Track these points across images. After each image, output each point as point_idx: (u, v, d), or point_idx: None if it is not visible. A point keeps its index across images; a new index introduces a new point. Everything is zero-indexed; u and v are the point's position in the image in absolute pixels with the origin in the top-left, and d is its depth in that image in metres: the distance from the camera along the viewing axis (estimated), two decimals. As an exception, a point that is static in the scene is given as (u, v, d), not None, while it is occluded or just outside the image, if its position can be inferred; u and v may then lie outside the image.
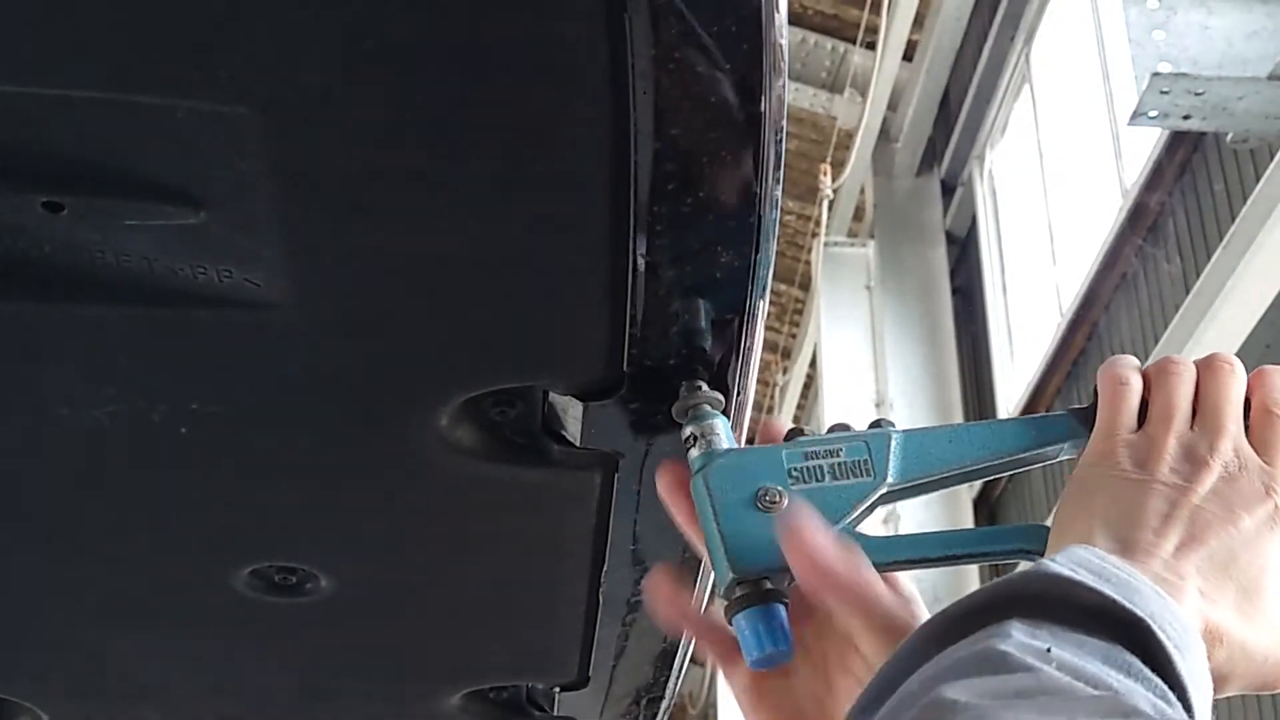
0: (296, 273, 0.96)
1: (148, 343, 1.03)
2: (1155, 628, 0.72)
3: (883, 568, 0.99)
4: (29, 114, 0.85)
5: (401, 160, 0.90)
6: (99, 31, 0.81)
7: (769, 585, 0.95)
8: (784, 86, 0.88)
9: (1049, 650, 0.70)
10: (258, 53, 0.82)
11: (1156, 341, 6.33)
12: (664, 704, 1.61)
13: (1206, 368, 0.95)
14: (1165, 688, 0.70)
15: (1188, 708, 0.70)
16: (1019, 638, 0.71)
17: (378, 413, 1.10)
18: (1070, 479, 0.94)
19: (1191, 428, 0.92)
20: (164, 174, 0.89)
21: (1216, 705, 0.78)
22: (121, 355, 1.04)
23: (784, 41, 0.86)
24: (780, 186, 0.94)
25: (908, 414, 8.92)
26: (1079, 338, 7.67)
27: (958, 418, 8.97)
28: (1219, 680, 0.83)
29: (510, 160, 0.89)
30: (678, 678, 1.54)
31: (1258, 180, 5.36)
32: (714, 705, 15.54)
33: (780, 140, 0.91)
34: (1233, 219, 5.57)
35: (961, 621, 0.75)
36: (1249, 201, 5.34)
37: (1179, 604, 0.79)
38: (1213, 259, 5.58)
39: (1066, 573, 0.75)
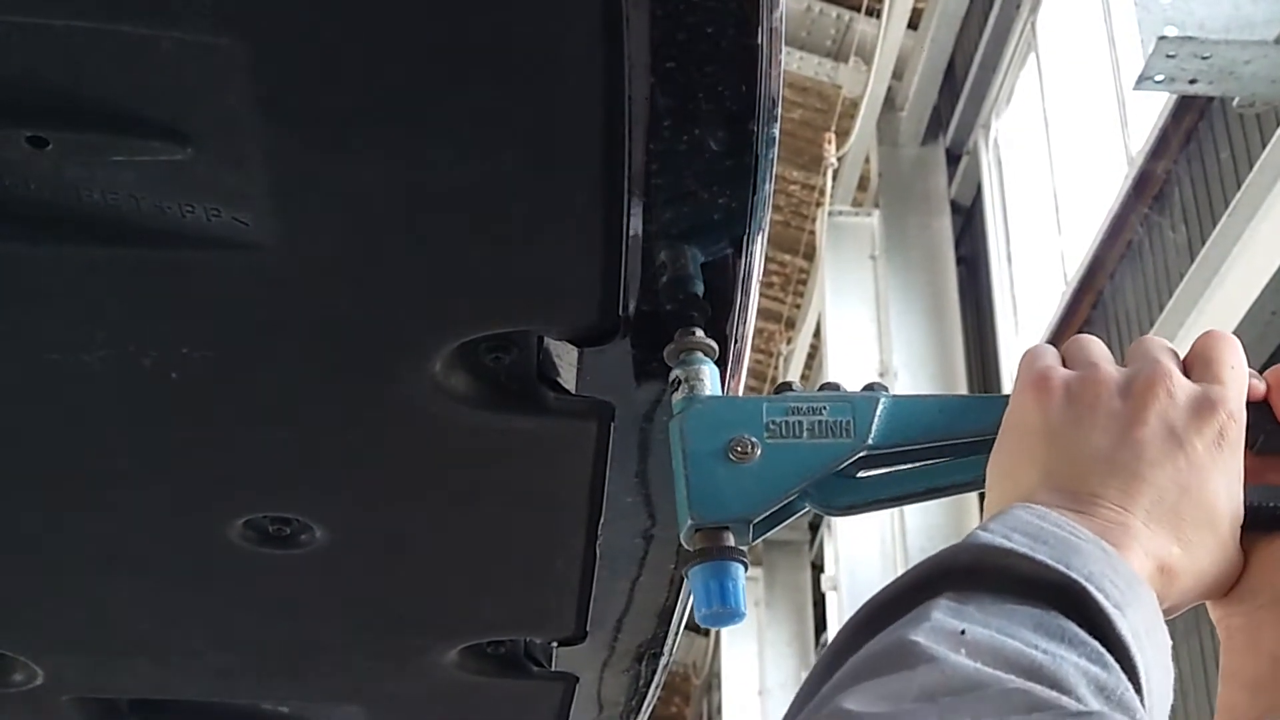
0: (286, 212, 0.94)
1: (137, 285, 1.02)
2: (1092, 589, 0.71)
3: (865, 506, 0.98)
4: (9, 44, 0.83)
5: (391, 95, 0.88)
6: None
7: (729, 542, 0.94)
8: (781, 19, 0.86)
9: (963, 632, 0.68)
10: (243, -20, 0.80)
11: (1161, 309, 6.31)
12: (662, 661, 1.60)
13: (1134, 344, 0.93)
14: (1101, 649, 0.68)
15: (1129, 666, 0.69)
16: (938, 618, 0.69)
17: (371, 357, 1.08)
18: (1004, 421, 0.91)
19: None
20: (150, 108, 0.87)
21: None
22: (110, 298, 1.03)
23: (780, -28, 0.84)
24: (778, 124, 0.92)
25: (911, 384, 8.91)
26: (1084, 306, 7.65)
27: (962, 387, 8.96)
28: (1172, 610, 0.83)
29: (500, 94, 0.87)
30: (676, 634, 1.53)
31: (1264, 147, 5.34)
32: (717, 675, 15.58)
33: (778, 75, 0.89)
34: (1238, 186, 5.55)
35: (892, 605, 0.73)
36: (1255, 168, 5.32)
37: (1125, 554, 0.78)
38: (1218, 226, 5.56)
39: (1000, 542, 0.74)
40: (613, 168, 0.92)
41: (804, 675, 0.97)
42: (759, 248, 1.03)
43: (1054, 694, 0.64)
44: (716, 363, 1.04)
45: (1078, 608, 0.70)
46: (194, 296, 1.02)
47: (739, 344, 1.09)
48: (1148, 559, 0.80)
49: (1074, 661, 0.67)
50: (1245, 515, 0.87)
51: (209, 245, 0.96)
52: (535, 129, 0.90)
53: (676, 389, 1.02)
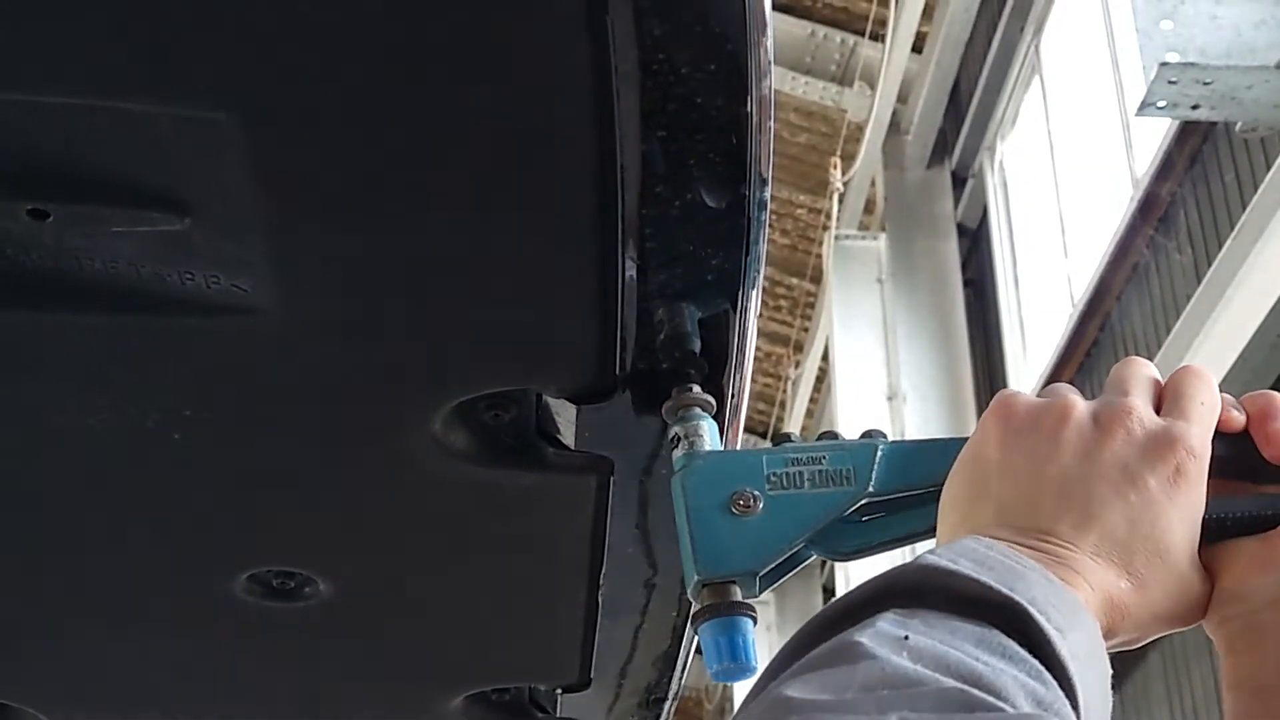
0: (284, 278, 0.96)
1: (138, 350, 1.03)
2: (1033, 611, 0.72)
3: (871, 549, 0.99)
4: (9, 120, 0.84)
5: (386, 164, 0.89)
6: (75, 38, 0.81)
7: (736, 596, 0.94)
8: (770, 87, 0.87)
9: (906, 638, 0.69)
10: (237, 59, 0.82)
11: (1168, 332, 6.30)
12: (667, 704, 1.60)
13: (1117, 365, 0.94)
14: (1040, 667, 0.70)
15: (1067, 686, 0.70)
16: (882, 626, 0.71)
17: (371, 417, 1.10)
18: (964, 451, 0.92)
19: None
20: (148, 180, 0.89)
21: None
22: (113, 363, 1.04)
23: (769, 41, 0.86)
24: (769, 188, 0.93)
25: (920, 407, 8.90)
26: (1091, 329, 7.65)
27: (970, 411, 8.95)
28: (1130, 641, 0.85)
29: (495, 162, 0.89)
30: (681, 676, 1.54)
31: (1268, 169, 5.34)
32: (730, 700, 15.54)
33: (767, 141, 0.90)
34: (1243, 208, 5.55)
35: (838, 619, 0.74)
36: (1259, 191, 5.32)
37: (1071, 587, 0.80)
38: (1224, 249, 5.56)
39: (944, 563, 0.75)
40: (607, 231, 0.93)
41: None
42: (753, 304, 1.04)
43: (992, 699, 0.66)
44: (714, 417, 1.05)
45: (1019, 628, 0.72)
46: (195, 360, 1.04)
47: (736, 398, 1.10)
48: (1094, 592, 0.82)
49: (1013, 675, 0.68)
50: (1202, 531, 0.87)
51: (208, 311, 0.98)
52: (530, 196, 0.92)
53: (676, 445, 1.02)
